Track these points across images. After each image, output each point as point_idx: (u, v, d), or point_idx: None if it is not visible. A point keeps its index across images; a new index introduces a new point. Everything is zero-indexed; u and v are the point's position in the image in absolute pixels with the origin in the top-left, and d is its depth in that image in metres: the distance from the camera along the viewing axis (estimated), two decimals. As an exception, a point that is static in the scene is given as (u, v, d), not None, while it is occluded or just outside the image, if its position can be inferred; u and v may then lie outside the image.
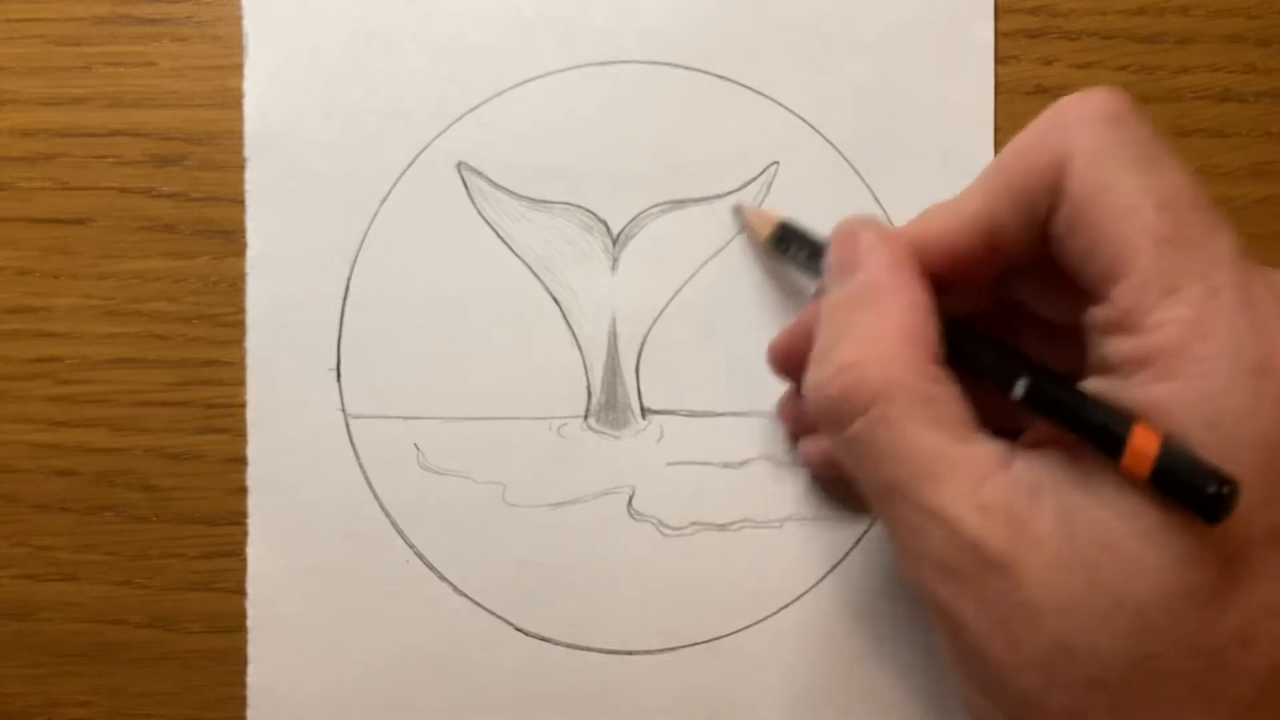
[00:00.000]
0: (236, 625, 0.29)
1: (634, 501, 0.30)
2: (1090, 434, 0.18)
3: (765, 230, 0.28)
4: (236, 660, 0.29)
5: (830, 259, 0.24)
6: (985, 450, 0.20)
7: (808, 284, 0.30)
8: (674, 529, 0.30)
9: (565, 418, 0.30)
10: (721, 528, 0.30)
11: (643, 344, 0.30)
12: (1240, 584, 0.17)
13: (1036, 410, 0.20)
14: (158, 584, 0.30)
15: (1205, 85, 0.30)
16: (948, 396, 0.21)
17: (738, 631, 0.29)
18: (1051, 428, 0.20)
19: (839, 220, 0.24)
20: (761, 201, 0.30)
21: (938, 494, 0.19)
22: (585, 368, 0.30)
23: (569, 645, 0.29)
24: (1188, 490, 0.17)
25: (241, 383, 0.30)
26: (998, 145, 0.30)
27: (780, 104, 0.30)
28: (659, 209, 0.30)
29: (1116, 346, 0.19)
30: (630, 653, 0.29)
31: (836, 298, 0.23)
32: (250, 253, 0.30)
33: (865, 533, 0.30)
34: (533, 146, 0.30)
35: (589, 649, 0.29)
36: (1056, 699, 0.18)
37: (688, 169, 0.30)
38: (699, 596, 0.29)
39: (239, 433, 0.30)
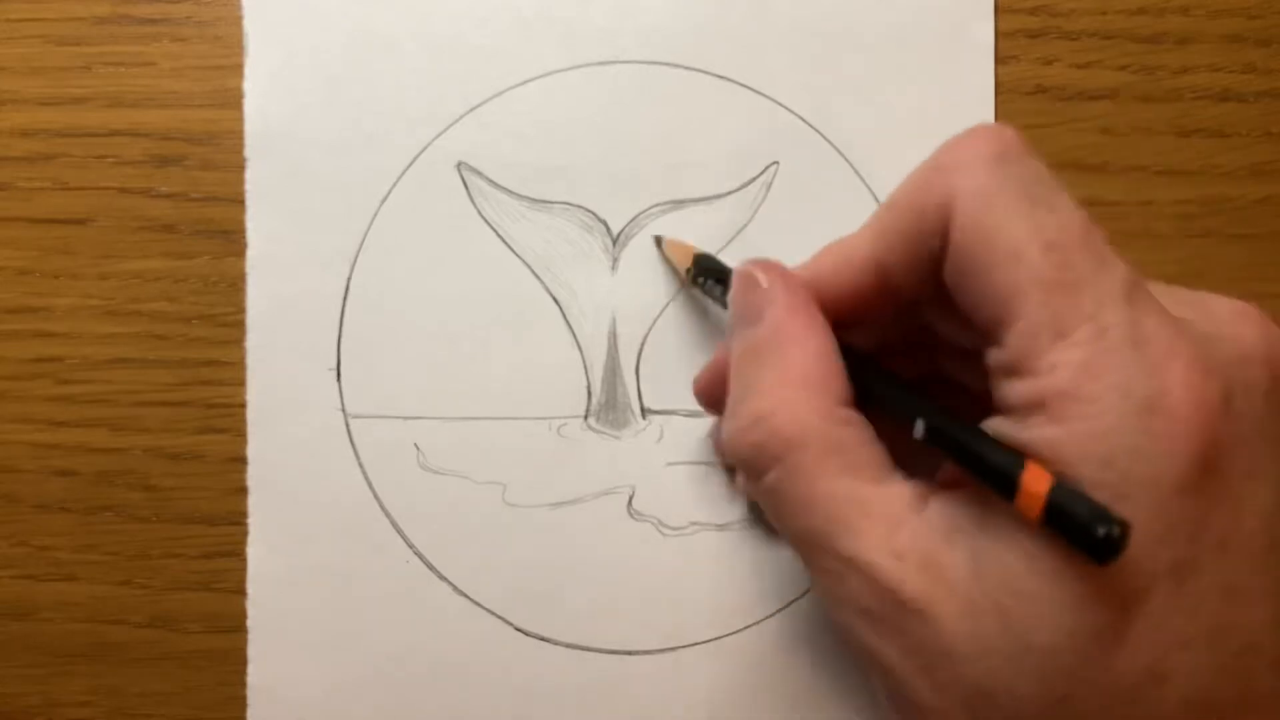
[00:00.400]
0: (236, 625, 0.29)
1: (634, 501, 0.30)
2: (985, 474, 0.18)
3: (684, 262, 0.28)
4: (236, 660, 0.29)
5: (732, 304, 0.24)
6: (899, 493, 0.20)
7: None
8: (674, 529, 0.30)
9: (565, 418, 0.30)
10: (721, 528, 0.30)
11: (643, 344, 0.30)
12: (1148, 620, 0.17)
13: (938, 448, 0.20)
14: (158, 584, 0.30)
15: (1205, 85, 0.30)
16: (858, 440, 0.21)
17: (738, 631, 0.29)
18: (959, 475, 0.20)
19: (739, 263, 0.24)
20: (761, 201, 0.30)
21: (854, 542, 0.20)
22: (585, 368, 0.30)
23: (569, 645, 0.29)
24: (1078, 531, 0.17)
25: (241, 383, 0.30)
26: (998, 145, 0.30)
27: (780, 104, 0.30)
28: (659, 209, 0.30)
29: (1012, 389, 0.19)
30: (630, 653, 0.29)
31: (742, 347, 0.23)
32: (250, 253, 0.30)
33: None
34: (533, 146, 0.30)
35: (589, 649, 0.29)
36: None
37: (688, 169, 0.30)
38: (699, 596, 0.29)
39: (239, 433, 0.30)
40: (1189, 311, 0.19)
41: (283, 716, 0.29)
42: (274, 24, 0.30)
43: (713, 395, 0.26)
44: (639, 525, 0.30)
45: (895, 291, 0.22)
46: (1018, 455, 0.18)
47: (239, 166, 0.30)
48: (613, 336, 0.30)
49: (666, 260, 0.30)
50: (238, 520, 0.29)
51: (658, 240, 0.30)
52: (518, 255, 0.30)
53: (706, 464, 0.30)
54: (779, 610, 0.29)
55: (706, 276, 0.27)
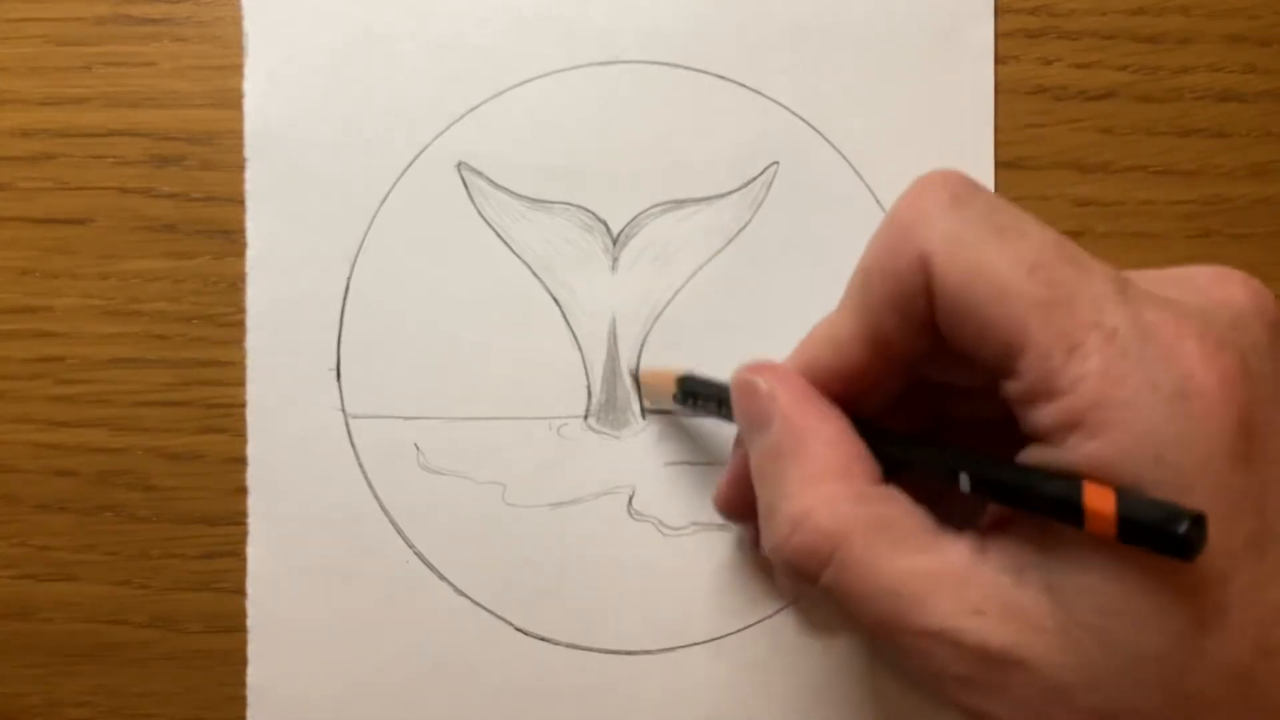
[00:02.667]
0: (236, 625, 0.29)
1: (634, 501, 0.30)
2: (1046, 508, 0.18)
3: (668, 388, 0.28)
4: (236, 660, 0.29)
5: (738, 416, 0.24)
6: (956, 552, 0.20)
7: (806, 290, 0.30)
8: (674, 529, 0.30)
9: (565, 418, 0.30)
10: (721, 528, 0.30)
11: (643, 344, 0.30)
12: (1242, 598, 0.17)
13: (989, 497, 0.20)
14: (158, 584, 0.30)
15: (1205, 85, 0.30)
16: (901, 513, 0.20)
17: (738, 631, 0.29)
18: (1007, 511, 0.20)
19: (733, 373, 0.24)
20: (761, 201, 0.30)
21: (928, 615, 0.19)
22: (585, 368, 0.30)
23: (569, 645, 0.29)
24: (1158, 537, 0.17)
25: (241, 383, 0.30)
26: (998, 145, 0.30)
27: (780, 104, 0.30)
28: (659, 209, 0.30)
29: (1041, 415, 0.18)
30: (631, 653, 0.29)
31: (760, 454, 0.22)
32: (250, 253, 0.30)
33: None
34: (533, 146, 0.30)
35: (589, 649, 0.29)
36: None
37: (688, 169, 0.30)
38: (699, 596, 0.29)
39: (239, 433, 0.30)
40: (1174, 290, 0.19)
41: (283, 716, 0.29)
42: (274, 24, 0.30)
43: (736, 507, 0.26)
44: (639, 525, 0.30)
45: (891, 359, 0.22)
46: (1072, 479, 0.18)
47: (239, 166, 0.30)
48: (613, 336, 0.30)
49: (649, 392, 0.29)
50: (238, 520, 0.29)
51: (633, 376, 0.30)
52: (518, 255, 0.30)
53: (706, 464, 0.30)
54: (779, 610, 0.29)
55: (695, 396, 0.27)
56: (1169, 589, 0.17)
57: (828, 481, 0.21)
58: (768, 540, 0.22)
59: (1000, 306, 0.19)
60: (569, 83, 0.30)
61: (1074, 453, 0.18)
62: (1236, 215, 0.30)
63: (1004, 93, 0.30)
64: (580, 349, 0.30)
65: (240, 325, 0.30)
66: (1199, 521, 0.16)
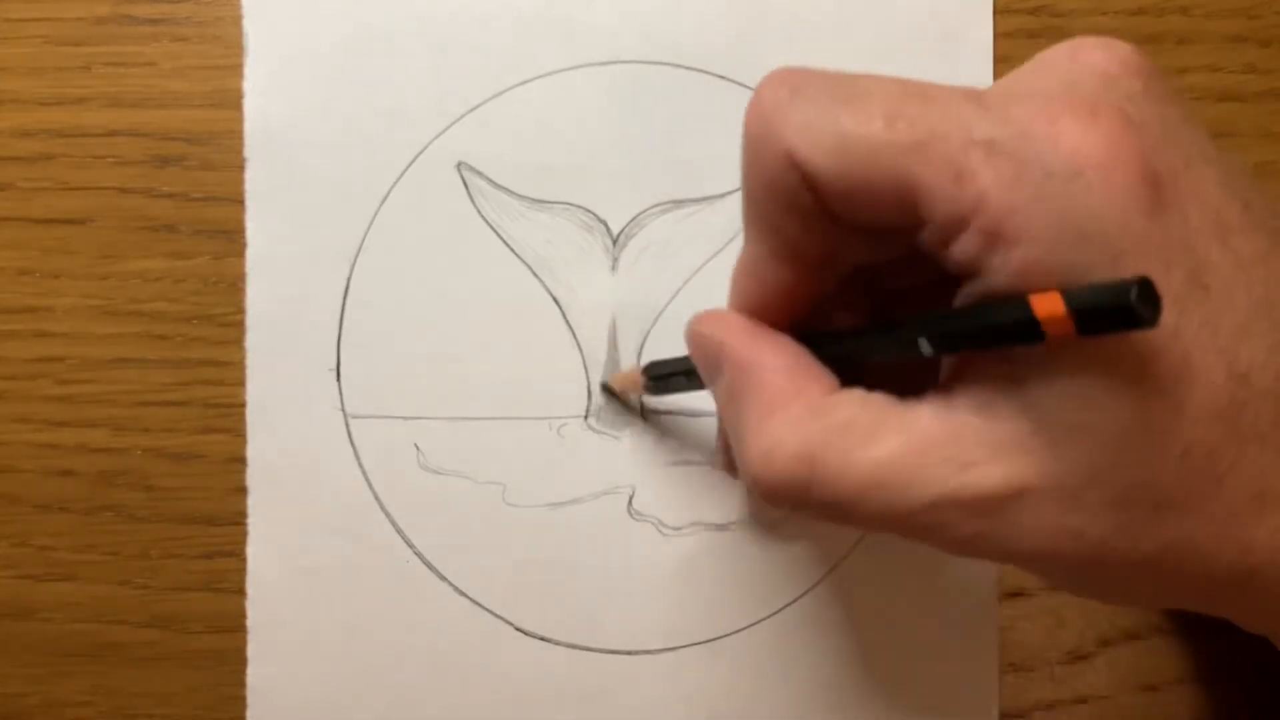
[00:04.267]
0: (236, 625, 0.29)
1: (634, 501, 0.30)
2: (1004, 337, 0.18)
3: (637, 384, 0.28)
4: (236, 660, 0.29)
5: (699, 371, 0.24)
6: (926, 418, 0.20)
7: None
8: (674, 529, 0.30)
9: (565, 418, 0.30)
10: (721, 528, 0.30)
11: (643, 344, 0.30)
12: (1199, 339, 0.18)
13: (952, 350, 0.20)
14: (158, 584, 0.30)
15: (1205, 85, 0.30)
16: (860, 409, 0.20)
17: (738, 631, 0.29)
18: (962, 358, 0.20)
19: (687, 328, 0.24)
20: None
21: (921, 492, 0.19)
22: (585, 368, 0.30)
23: (569, 645, 0.29)
24: (1114, 316, 0.16)
25: (241, 383, 0.30)
26: (998, 145, 0.30)
27: (780, 104, 0.30)
28: (659, 209, 0.30)
29: (959, 251, 0.18)
30: (631, 653, 0.29)
31: (722, 401, 0.23)
32: (250, 253, 0.30)
33: (865, 534, 0.30)
34: (533, 146, 0.30)
35: (589, 649, 0.29)
36: (1146, 547, 0.18)
37: (688, 169, 0.30)
38: (699, 596, 0.29)
39: (239, 433, 0.30)
40: (1036, 80, 0.19)
41: (283, 716, 0.29)
42: (274, 24, 0.30)
43: (731, 465, 0.26)
44: (639, 525, 0.30)
45: (808, 264, 0.21)
46: (1016, 297, 0.18)
47: (239, 166, 0.30)
48: (613, 336, 0.30)
49: (623, 397, 0.30)
50: (238, 520, 0.29)
51: (604, 386, 0.30)
52: (518, 255, 0.30)
53: (706, 464, 0.30)
54: (779, 610, 0.29)
55: (664, 377, 0.27)
56: (1129, 360, 0.17)
57: (783, 408, 0.21)
58: (747, 481, 0.22)
59: (876, 168, 0.18)
60: (569, 83, 0.30)
61: (1002, 270, 0.18)
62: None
63: (1004, 93, 0.30)
64: (580, 349, 0.30)
65: (240, 325, 0.30)
66: (1145, 286, 0.16)
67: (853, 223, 0.20)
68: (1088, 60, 0.19)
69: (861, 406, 0.21)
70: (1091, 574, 0.20)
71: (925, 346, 0.20)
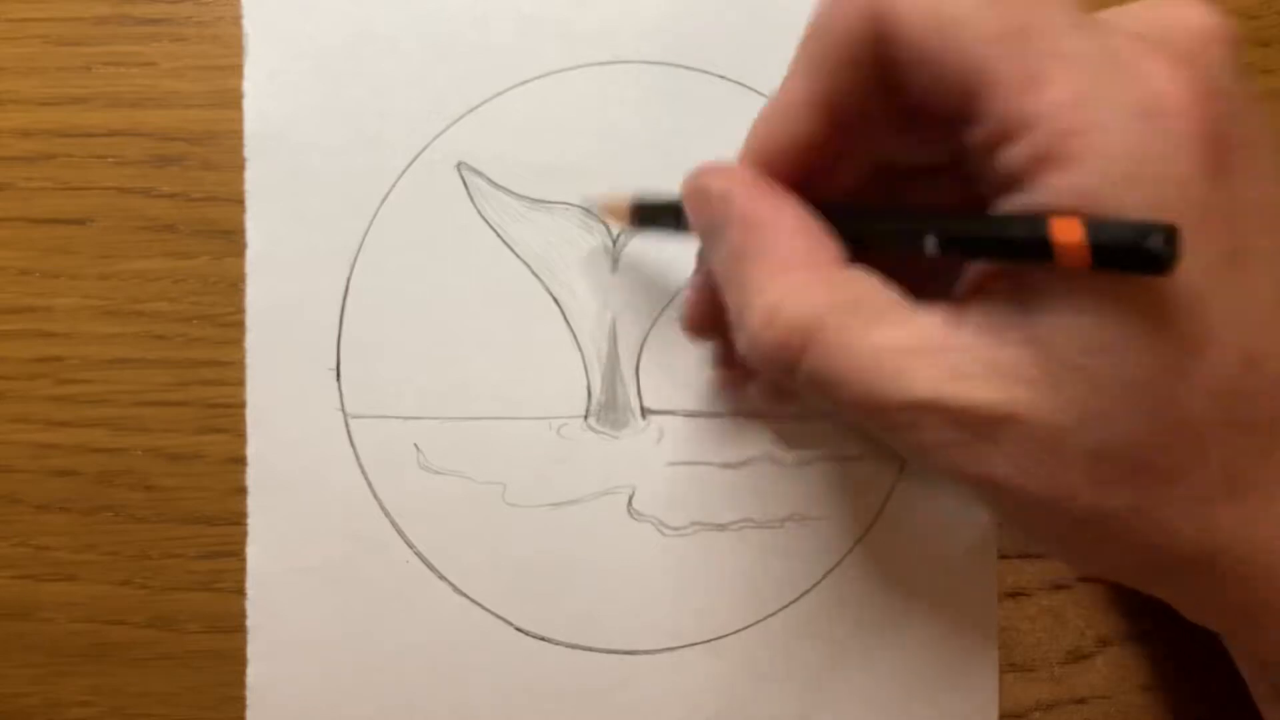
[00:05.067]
0: (236, 625, 0.29)
1: (634, 501, 0.30)
2: (1014, 251, 0.18)
3: (622, 214, 0.27)
4: (236, 660, 0.29)
5: (694, 224, 0.23)
6: (932, 322, 0.19)
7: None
8: (674, 529, 0.30)
9: (565, 418, 0.30)
10: (721, 528, 0.30)
11: (643, 344, 0.30)
12: (1223, 313, 0.17)
13: (956, 256, 0.19)
14: (158, 584, 0.30)
15: (1205, 85, 0.30)
16: (871, 291, 0.20)
17: (738, 631, 0.29)
18: (981, 271, 0.20)
19: (683, 183, 0.23)
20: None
21: (910, 386, 0.19)
22: (585, 368, 0.30)
23: (569, 645, 0.29)
24: (1131, 256, 0.16)
25: (241, 383, 0.30)
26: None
27: (780, 104, 0.30)
28: (659, 209, 0.30)
29: (1007, 157, 0.18)
30: (631, 653, 0.29)
31: (723, 258, 0.22)
32: (250, 253, 0.30)
33: (865, 533, 0.30)
34: (533, 146, 0.30)
35: (589, 649, 0.29)
36: (1115, 502, 0.18)
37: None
38: (699, 596, 0.29)
39: (239, 433, 0.30)
40: (1128, 23, 0.19)
41: (283, 716, 0.29)
42: (274, 24, 0.30)
43: (704, 323, 0.26)
44: (639, 525, 0.30)
45: (847, 127, 0.21)
46: (1038, 217, 0.17)
47: (239, 166, 0.30)
48: (613, 336, 0.30)
49: (607, 218, 0.29)
50: (238, 520, 0.29)
51: (588, 201, 0.29)
52: (518, 255, 0.30)
53: (706, 464, 0.30)
54: (779, 610, 0.29)
55: (651, 217, 0.26)
56: (1149, 315, 0.17)
57: (793, 271, 0.20)
58: (742, 341, 0.21)
59: (957, 42, 0.18)
60: (569, 83, 0.30)
61: (1046, 190, 0.17)
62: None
63: (1004, 93, 0.30)
64: (580, 349, 0.30)
65: (240, 325, 0.30)
66: (1171, 234, 0.16)
67: (907, 97, 0.19)
68: (1183, 16, 0.19)
69: (873, 290, 0.20)
70: (1049, 519, 0.19)
71: (931, 245, 0.19)
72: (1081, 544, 0.20)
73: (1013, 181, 0.18)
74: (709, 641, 0.29)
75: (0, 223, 0.30)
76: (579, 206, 0.30)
